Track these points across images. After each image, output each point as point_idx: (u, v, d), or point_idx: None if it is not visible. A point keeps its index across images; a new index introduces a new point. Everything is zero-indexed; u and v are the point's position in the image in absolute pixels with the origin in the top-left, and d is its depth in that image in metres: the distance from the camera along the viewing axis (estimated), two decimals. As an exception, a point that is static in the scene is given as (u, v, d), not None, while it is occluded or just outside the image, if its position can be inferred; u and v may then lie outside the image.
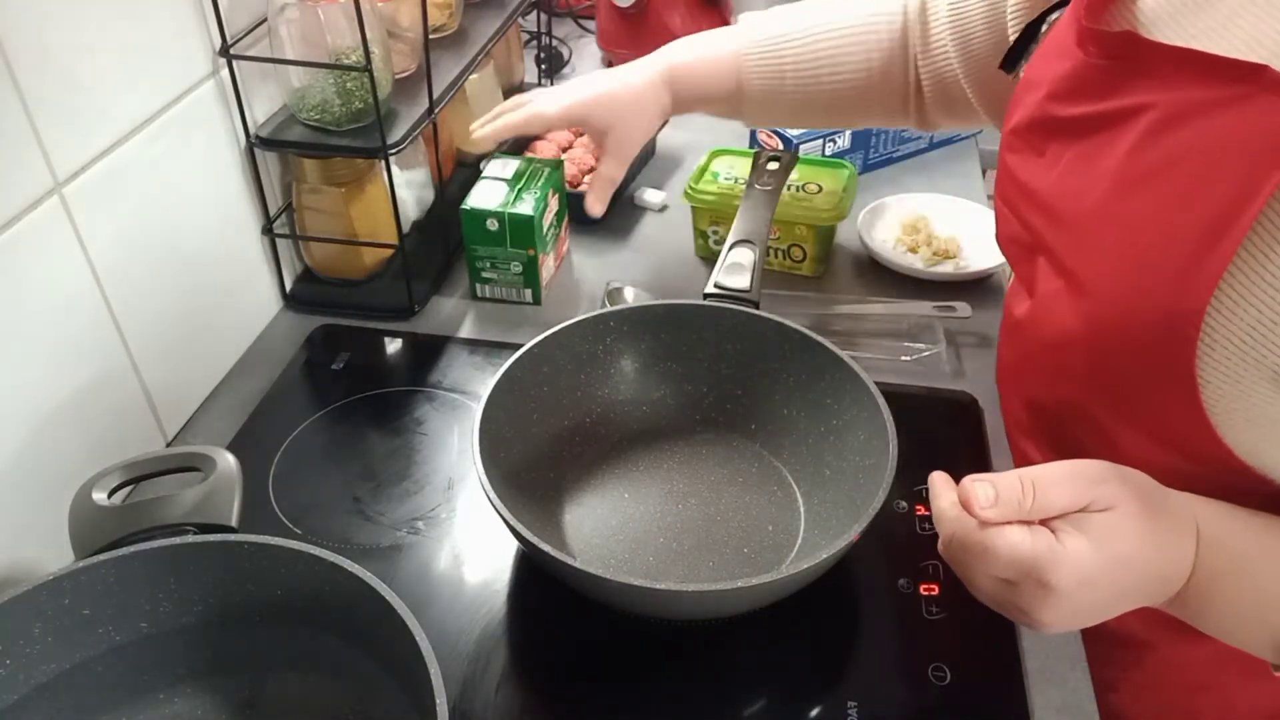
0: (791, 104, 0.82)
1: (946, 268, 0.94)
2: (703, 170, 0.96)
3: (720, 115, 0.88)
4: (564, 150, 1.09)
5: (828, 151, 1.07)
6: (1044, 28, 0.63)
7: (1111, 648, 0.64)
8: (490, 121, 0.85)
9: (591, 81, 0.84)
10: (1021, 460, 0.73)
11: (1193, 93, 0.48)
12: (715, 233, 0.95)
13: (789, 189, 0.91)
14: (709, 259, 0.96)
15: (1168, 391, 0.49)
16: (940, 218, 1.00)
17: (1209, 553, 0.49)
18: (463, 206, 0.86)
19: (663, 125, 0.93)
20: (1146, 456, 0.52)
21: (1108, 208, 0.52)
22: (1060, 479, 0.48)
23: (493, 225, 0.85)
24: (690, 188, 0.94)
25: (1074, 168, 0.55)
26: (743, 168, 0.96)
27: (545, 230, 0.88)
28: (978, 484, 0.47)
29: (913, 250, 0.96)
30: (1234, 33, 0.48)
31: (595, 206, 0.86)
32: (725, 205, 0.92)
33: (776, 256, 0.94)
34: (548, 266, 0.91)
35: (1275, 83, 0.44)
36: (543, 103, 0.83)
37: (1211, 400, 0.48)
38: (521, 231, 0.86)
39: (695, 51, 0.84)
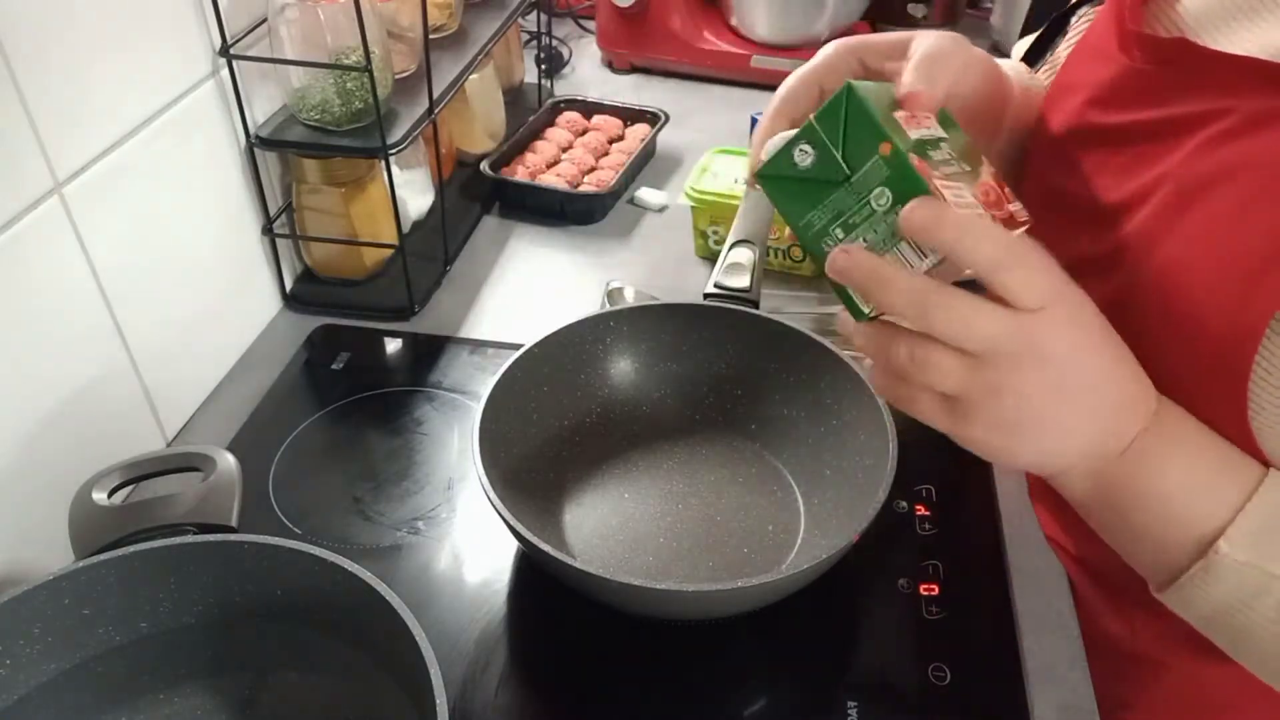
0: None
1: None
2: (703, 170, 0.96)
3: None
4: (564, 150, 1.09)
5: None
6: (1074, 19, 0.62)
7: (1126, 665, 0.63)
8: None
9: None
10: (1033, 482, 0.72)
11: (1249, 103, 0.46)
12: (715, 233, 0.95)
13: None
14: (709, 259, 0.96)
15: (1214, 414, 0.48)
16: None
17: (1166, 412, 0.47)
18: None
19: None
20: None
21: (1159, 222, 0.50)
22: (1042, 259, 0.45)
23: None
24: (690, 188, 0.94)
25: (1120, 178, 0.53)
26: (743, 168, 0.96)
27: None
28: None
29: None
30: None
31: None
32: (725, 205, 0.92)
33: (776, 256, 0.94)
34: None
35: None
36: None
37: (1262, 426, 0.46)
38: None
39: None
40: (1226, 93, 0.48)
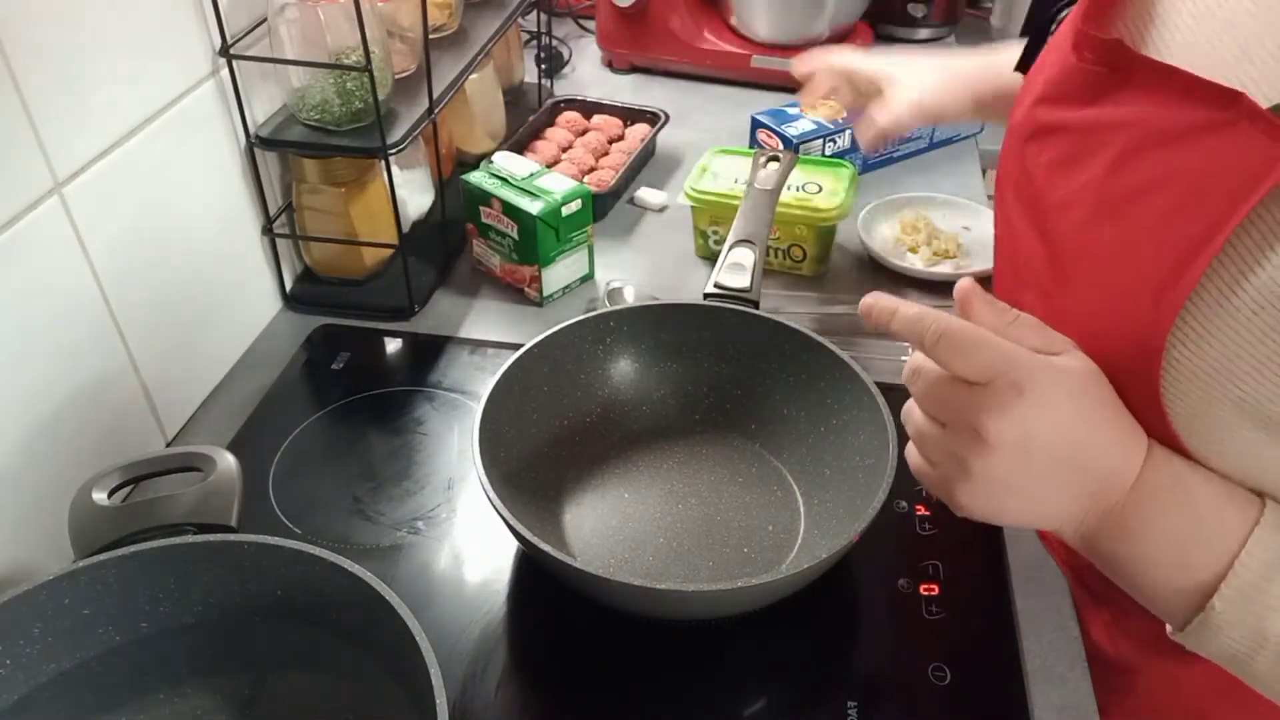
0: None
1: (946, 268, 0.94)
2: (703, 170, 0.96)
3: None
4: (564, 150, 1.09)
5: (828, 151, 1.07)
6: (1053, 27, 0.62)
7: (1103, 672, 0.63)
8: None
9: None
10: None
11: (1171, 114, 0.46)
12: (715, 233, 0.95)
13: (789, 189, 0.91)
14: (709, 259, 0.96)
15: (1142, 419, 0.48)
16: (940, 218, 1.00)
17: (1156, 464, 0.48)
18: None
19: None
20: None
21: (1084, 234, 0.51)
22: (1038, 324, 0.49)
23: None
24: (690, 188, 0.94)
25: (1056, 178, 0.53)
26: (743, 168, 0.96)
27: None
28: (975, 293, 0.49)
29: (913, 250, 0.96)
30: (1225, 47, 0.46)
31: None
32: (725, 205, 0.92)
33: (776, 256, 0.94)
34: None
35: (1253, 111, 0.42)
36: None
37: (1182, 427, 0.47)
38: None
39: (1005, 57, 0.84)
40: (1147, 101, 0.48)
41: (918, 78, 0.85)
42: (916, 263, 0.94)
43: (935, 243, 0.96)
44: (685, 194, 0.94)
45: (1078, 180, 0.51)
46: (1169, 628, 0.50)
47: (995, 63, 0.84)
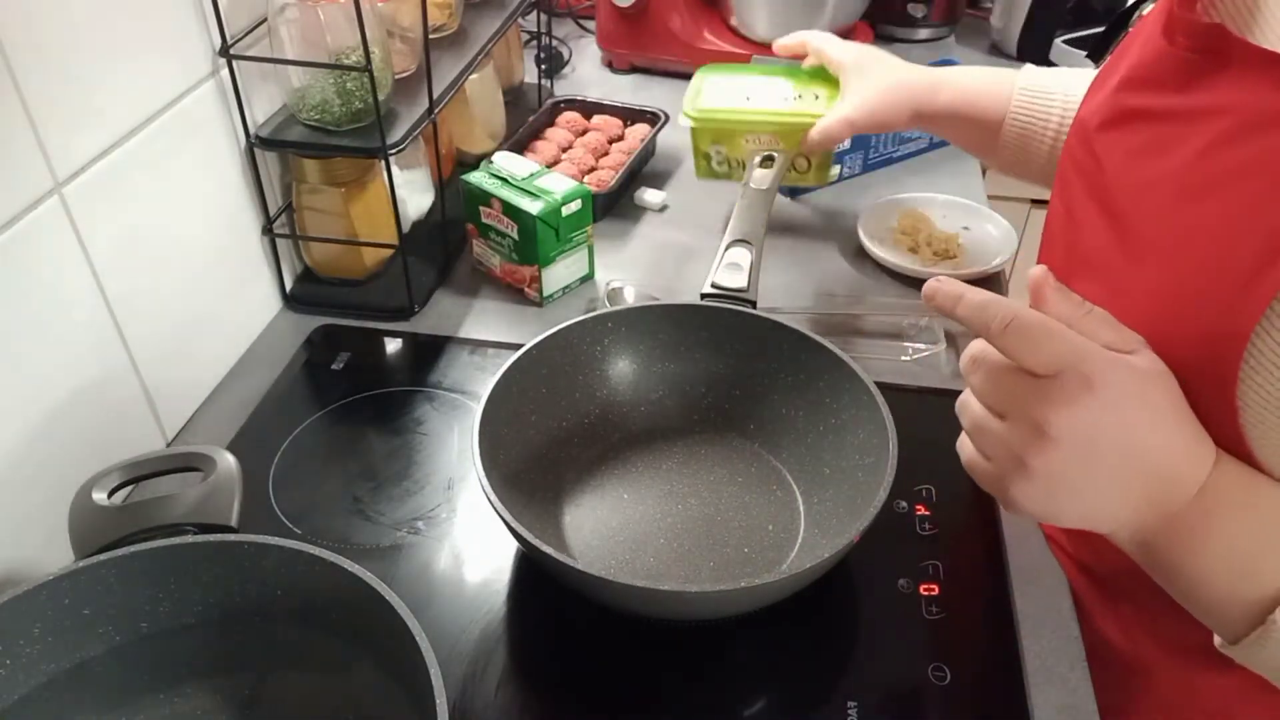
0: (1044, 158, 0.80)
1: (946, 268, 0.94)
2: (697, 93, 0.94)
3: (961, 142, 0.89)
4: (564, 150, 1.09)
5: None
6: (1135, 17, 0.62)
7: (1121, 673, 0.63)
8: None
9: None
10: None
11: (1269, 99, 0.45)
12: (719, 152, 0.93)
13: (787, 100, 0.90)
14: (712, 179, 0.96)
15: (1205, 413, 0.47)
16: (940, 218, 1.00)
17: (1224, 472, 0.46)
18: None
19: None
20: None
21: (1166, 216, 0.49)
22: (1111, 319, 0.47)
23: None
24: (691, 107, 0.92)
25: (1137, 162, 0.52)
26: (739, 85, 0.94)
27: None
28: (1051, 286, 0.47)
29: (913, 250, 0.96)
30: None
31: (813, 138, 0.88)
32: (728, 122, 0.90)
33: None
34: None
35: None
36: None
37: (1250, 425, 0.46)
38: None
39: (971, 74, 0.85)
40: (1246, 87, 0.47)
41: (861, 91, 0.86)
42: (916, 263, 0.94)
43: (935, 242, 0.96)
44: (684, 113, 0.92)
45: (1164, 165, 0.50)
46: (1217, 639, 0.49)
47: (955, 80, 0.84)
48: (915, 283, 0.93)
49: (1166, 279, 0.49)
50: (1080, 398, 0.44)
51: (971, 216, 1.00)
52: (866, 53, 0.89)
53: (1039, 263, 0.65)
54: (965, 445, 0.50)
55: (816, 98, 0.91)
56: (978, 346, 0.48)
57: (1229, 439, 0.47)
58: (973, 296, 0.46)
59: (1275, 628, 0.45)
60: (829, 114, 0.86)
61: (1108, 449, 0.45)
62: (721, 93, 0.94)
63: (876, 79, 0.86)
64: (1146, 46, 0.54)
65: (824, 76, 0.93)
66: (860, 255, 0.97)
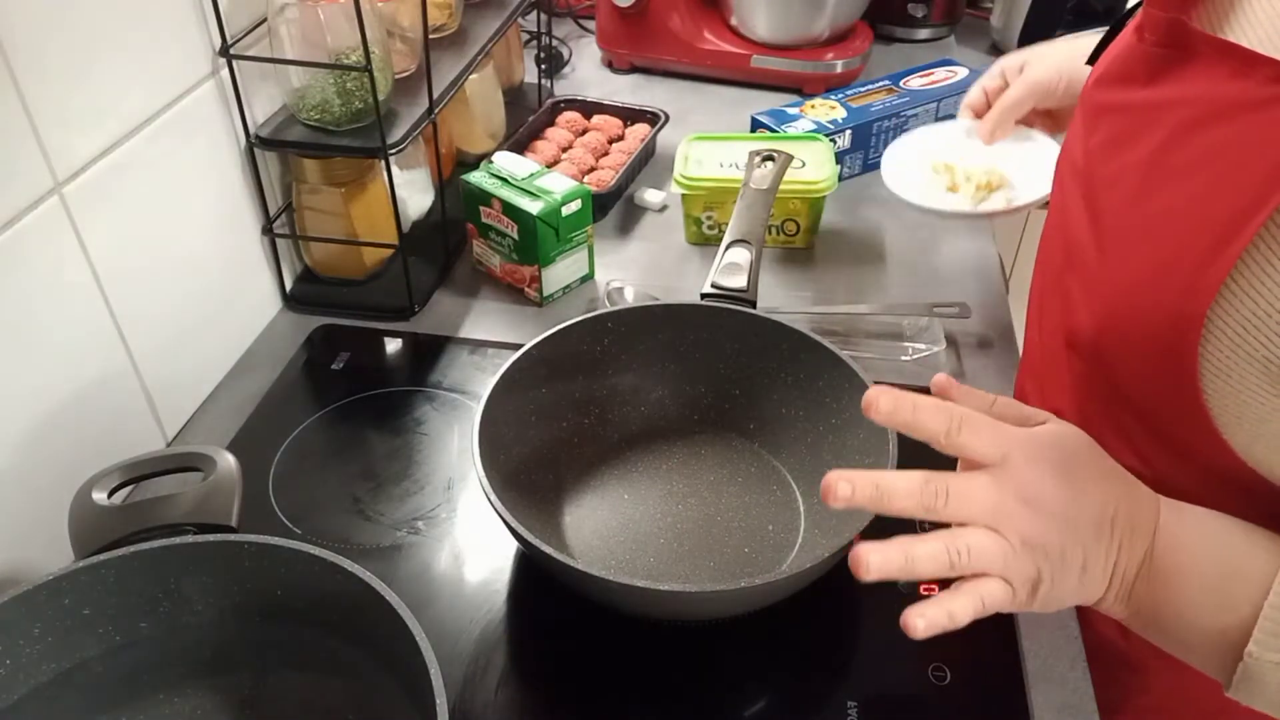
0: None
1: (998, 202, 0.84)
2: (685, 159, 0.97)
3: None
4: (564, 150, 1.09)
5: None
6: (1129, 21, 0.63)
7: (1117, 671, 0.63)
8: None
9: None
10: None
11: (1228, 89, 0.46)
12: (710, 218, 0.96)
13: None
14: (702, 245, 0.98)
15: (1173, 395, 0.48)
16: (969, 152, 0.89)
17: (1172, 507, 0.49)
18: None
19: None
20: (1164, 467, 0.52)
21: (1130, 207, 0.51)
22: (1015, 403, 0.53)
23: None
24: (680, 175, 0.95)
25: (1109, 155, 0.54)
26: (722, 152, 0.97)
27: None
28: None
29: (953, 190, 0.87)
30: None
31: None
32: (718, 190, 0.93)
33: (770, 234, 0.94)
34: None
35: None
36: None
37: (1213, 401, 0.47)
38: None
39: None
40: (1204, 77, 0.48)
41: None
42: (963, 204, 0.85)
43: (976, 176, 0.86)
44: (676, 182, 0.95)
45: (1130, 157, 0.52)
46: (1225, 688, 0.49)
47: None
48: (919, 275, 0.92)
49: (1131, 267, 0.50)
50: (1037, 467, 0.47)
51: (1009, 141, 0.88)
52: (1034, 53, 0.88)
53: (1039, 261, 0.66)
54: (987, 605, 0.49)
55: (804, 163, 0.94)
56: (913, 500, 0.48)
57: (1193, 416, 0.48)
58: (925, 400, 0.49)
59: (1251, 662, 0.46)
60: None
61: (1079, 510, 0.48)
62: (709, 160, 0.97)
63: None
64: (1120, 44, 0.56)
65: (808, 140, 0.97)
66: (860, 255, 0.97)
